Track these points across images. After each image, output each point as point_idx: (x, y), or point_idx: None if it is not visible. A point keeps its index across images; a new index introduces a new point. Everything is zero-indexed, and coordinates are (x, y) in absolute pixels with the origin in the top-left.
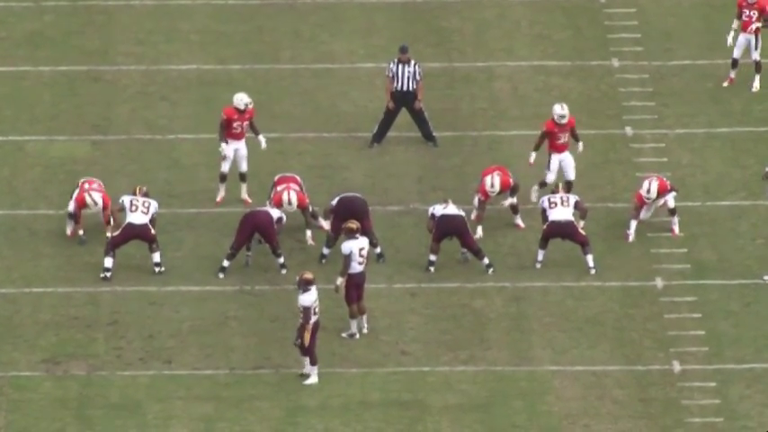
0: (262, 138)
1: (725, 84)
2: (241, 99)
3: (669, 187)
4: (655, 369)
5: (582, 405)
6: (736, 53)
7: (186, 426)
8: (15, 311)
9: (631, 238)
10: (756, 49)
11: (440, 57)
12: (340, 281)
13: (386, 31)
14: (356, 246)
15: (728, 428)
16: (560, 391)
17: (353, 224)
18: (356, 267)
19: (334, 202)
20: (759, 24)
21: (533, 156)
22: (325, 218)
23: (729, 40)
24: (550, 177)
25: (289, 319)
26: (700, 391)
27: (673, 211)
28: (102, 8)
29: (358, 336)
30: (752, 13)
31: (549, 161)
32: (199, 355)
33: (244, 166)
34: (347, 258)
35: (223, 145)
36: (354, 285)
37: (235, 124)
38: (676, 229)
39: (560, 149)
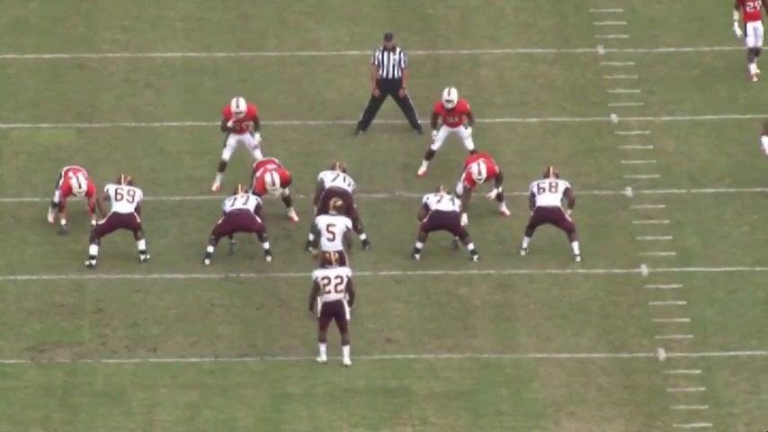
0: (257, 135)
1: (754, 79)
2: (235, 104)
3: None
4: (640, 356)
5: (567, 392)
6: (750, 42)
7: (171, 413)
8: (0, 299)
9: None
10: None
11: (425, 44)
12: (314, 252)
13: (371, 19)
14: (324, 221)
15: (713, 416)
16: (545, 378)
17: (336, 201)
18: (325, 243)
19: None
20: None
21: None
22: (315, 203)
23: (737, 32)
24: (435, 146)
25: (274, 306)
26: (685, 379)
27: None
28: None
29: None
30: (756, 4)
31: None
32: (184, 342)
33: (258, 155)
34: (317, 232)
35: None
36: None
37: (232, 123)
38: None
39: (453, 125)
